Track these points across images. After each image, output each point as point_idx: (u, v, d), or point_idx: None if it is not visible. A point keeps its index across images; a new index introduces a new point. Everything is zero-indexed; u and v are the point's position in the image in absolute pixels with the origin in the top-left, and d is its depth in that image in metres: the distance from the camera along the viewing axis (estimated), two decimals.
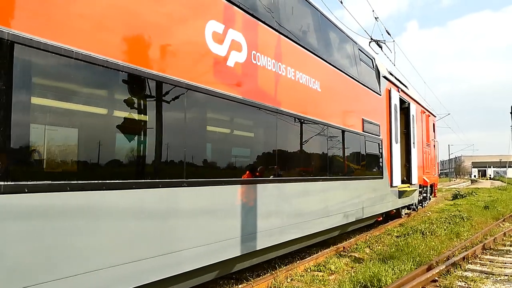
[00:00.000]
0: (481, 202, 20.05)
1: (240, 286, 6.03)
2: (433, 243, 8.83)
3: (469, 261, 7.68)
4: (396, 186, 12.26)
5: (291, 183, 6.80)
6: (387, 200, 11.67)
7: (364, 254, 8.51)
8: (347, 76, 9.34)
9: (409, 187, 13.48)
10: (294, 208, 6.81)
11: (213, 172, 5.19)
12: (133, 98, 4.07)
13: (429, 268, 6.74)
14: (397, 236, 10.55)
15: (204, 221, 4.82)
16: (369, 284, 5.96)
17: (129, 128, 4.05)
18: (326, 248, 8.70)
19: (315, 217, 7.47)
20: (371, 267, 6.70)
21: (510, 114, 33.81)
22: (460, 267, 7.17)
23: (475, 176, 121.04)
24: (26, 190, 3.02)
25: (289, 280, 6.51)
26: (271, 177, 6.28)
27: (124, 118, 3.97)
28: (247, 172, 5.76)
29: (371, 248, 9.20)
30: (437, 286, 6.20)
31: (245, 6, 5.77)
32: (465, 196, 24.59)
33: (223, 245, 5.06)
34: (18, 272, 2.98)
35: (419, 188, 15.56)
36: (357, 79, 9.89)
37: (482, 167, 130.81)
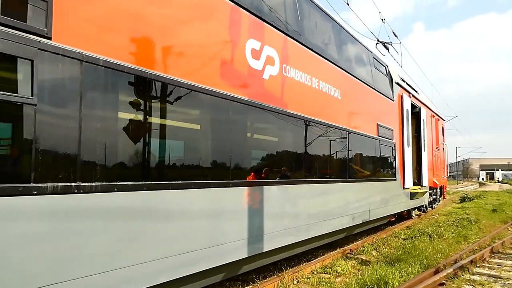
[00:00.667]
0: (489, 205, 19.88)
1: (246, 287, 6.03)
2: (441, 246, 8.78)
3: (477, 265, 7.62)
4: (408, 188, 12.67)
5: (319, 184, 7.50)
6: (400, 201, 12.15)
7: (371, 257, 8.48)
8: (364, 84, 9.91)
9: (420, 189, 13.87)
10: (323, 206, 7.56)
11: (250, 174, 5.70)
12: (194, 113, 4.92)
13: (437, 271, 6.69)
14: (404, 239, 10.50)
15: (243, 217, 5.38)
16: (376, 287, 5.94)
17: (190, 137, 4.89)
18: (332, 250, 8.69)
19: (337, 216, 8.12)
20: (378, 269, 6.68)
21: None
22: (468, 270, 7.11)
23: (483, 179, 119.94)
24: (116, 190, 3.67)
25: (295, 282, 6.50)
26: (302, 179, 6.94)
27: (189, 129, 4.84)
28: (279, 174, 6.45)
29: (378, 250, 9.16)
30: None
31: (277, 24, 6.41)
32: (473, 199, 24.36)
33: (257, 239, 5.64)
34: (119, 254, 3.68)
35: (429, 190, 15.92)
36: (372, 86, 10.44)
37: (490, 170, 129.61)
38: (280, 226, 6.19)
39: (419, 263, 7.24)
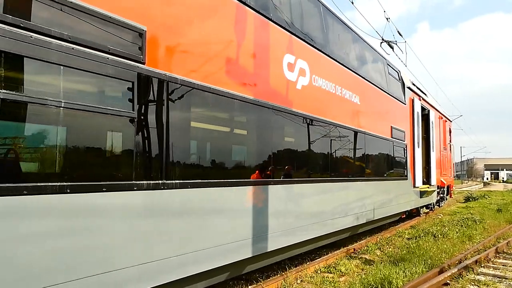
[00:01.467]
0: (494, 205, 19.79)
1: (250, 287, 6.03)
2: (445, 246, 8.74)
3: (482, 265, 7.58)
4: (418, 187, 13.37)
5: (342, 183, 8.34)
6: (411, 199, 12.87)
7: (375, 256, 8.45)
8: (379, 89, 10.64)
9: (428, 188, 14.56)
10: (346, 202, 8.38)
11: (285, 174, 6.42)
12: (243, 120, 5.67)
13: (441, 271, 6.67)
14: (408, 238, 10.46)
15: (285, 209, 6.22)
16: (379, 287, 5.92)
17: (239, 141, 5.77)
18: (336, 250, 8.67)
19: (360, 210, 9.00)
20: (382, 269, 6.66)
21: None
22: (473, 270, 7.08)
23: (487, 178, 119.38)
24: (189, 186, 4.41)
25: (299, 282, 6.50)
26: (330, 178, 7.81)
27: (240, 134, 5.70)
28: (310, 173, 7.24)
29: (382, 250, 9.13)
30: None
31: (307, 39, 7.13)
32: (477, 199, 24.25)
33: (293, 231, 6.42)
34: (191, 241, 4.37)
35: (437, 188, 16.58)
36: (386, 91, 11.15)
37: (494, 170, 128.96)
38: (316, 218, 7.13)
39: (423, 263, 7.22)
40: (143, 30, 3.98)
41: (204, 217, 4.63)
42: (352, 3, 10.44)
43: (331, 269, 7.29)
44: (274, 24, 6.19)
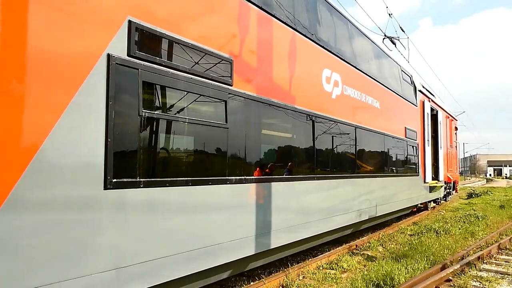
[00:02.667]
0: (497, 201, 19.74)
1: (252, 283, 6.05)
2: (447, 242, 8.74)
3: (484, 261, 7.57)
4: (428, 182, 14.53)
5: (367, 178, 9.39)
6: (422, 194, 14.04)
7: (377, 253, 8.46)
8: (395, 94, 11.66)
9: (437, 183, 15.76)
10: (371, 196, 9.50)
11: (325, 170, 7.61)
12: (289, 125, 6.49)
13: (443, 268, 6.67)
14: (410, 235, 10.46)
15: (322, 201, 7.30)
16: (381, 283, 5.93)
17: (294, 144, 6.76)
18: (338, 246, 8.67)
19: (380, 203, 10.05)
20: (384, 265, 6.66)
21: None
22: (475, 266, 7.07)
23: (490, 175, 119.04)
24: (260, 182, 5.53)
25: (301, 278, 6.51)
26: (357, 174, 8.87)
27: (288, 137, 6.61)
28: (348, 169, 8.45)
29: (384, 246, 9.14)
30: (451, 285, 6.13)
31: (340, 54, 8.12)
32: (480, 195, 24.20)
33: (333, 219, 7.63)
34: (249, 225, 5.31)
35: (444, 184, 17.81)
36: (401, 95, 12.19)
37: (497, 166, 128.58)
38: (346, 208, 8.19)
39: (425, 259, 7.21)
40: (231, 59, 5.08)
41: (273, 202, 5.81)
42: None
43: (333, 265, 7.30)
44: (316, 45, 7.25)
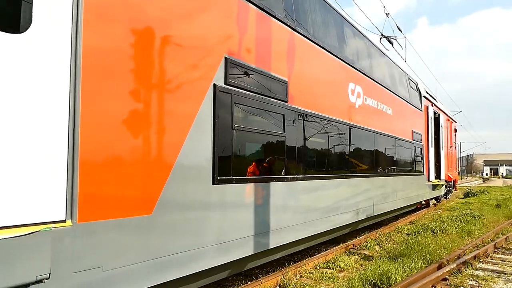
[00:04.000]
0: (493, 201, 19.82)
1: (249, 283, 6.05)
2: (444, 242, 8.76)
3: (481, 260, 7.61)
4: (431, 181, 15.77)
5: (382, 177, 10.61)
6: (426, 191, 15.29)
7: (374, 252, 8.48)
8: (404, 101, 12.78)
9: (439, 182, 16.96)
10: (385, 192, 10.73)
11: (353, 170, 8.89)
12: (324, 132, 7.54)
13: (440, 267, 6.69)
14: (407, 234, 10.49)
15: (356, 193, 8.83)
16: (378, 282, 5.95)
17: (330, 148, 7.87)
18: (335, 246, 8.69)
19: (395, 199, 11.47)
20: (381, 264, 6.69)
21: None
22: (471, 265, 7.10)
23: (487, 174, 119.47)
24: (306, 179, 6.75)
25: (298, 277, 6.51)
26: (375, 173, 10.10)
27: (321, 142, 7.55)
28: (371, 169, 9.88)
29: (381, 245, 9.16)
30: (448, 284, 6.16)
31: (361, 68, 9.31)
32: (476, 195, 24.27)
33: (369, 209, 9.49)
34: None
35: (445, 182, 19.00)
36: (409, 101, 13.34)
37: (494, 165, 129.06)
38: (379, 201, 10.10)
39: (422, 258, 7.24)
40: (287, 81, 6.23)
41: (316, 195, 7.09)
42: None
43: (330, 264, 7.31)
44: (344, 63, 8.40)
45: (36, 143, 2.84)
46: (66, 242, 3.06)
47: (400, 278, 6.02)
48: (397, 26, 14.44)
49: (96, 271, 3.26)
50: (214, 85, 4.69)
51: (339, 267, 7.15)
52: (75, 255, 3.13)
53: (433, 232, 10.20)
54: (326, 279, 6.39)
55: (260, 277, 6.24)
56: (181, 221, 4.16)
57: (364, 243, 9.20)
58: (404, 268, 6.62)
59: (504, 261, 7.62)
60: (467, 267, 7.00)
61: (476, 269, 7.01)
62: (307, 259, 7.46)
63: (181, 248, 4.13)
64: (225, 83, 4.89)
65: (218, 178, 4.70)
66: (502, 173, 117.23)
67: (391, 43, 14.15)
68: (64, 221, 3.04)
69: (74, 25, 3.10)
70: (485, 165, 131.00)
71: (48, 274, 2.86)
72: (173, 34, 4.14)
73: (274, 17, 6.00)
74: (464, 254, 7.61)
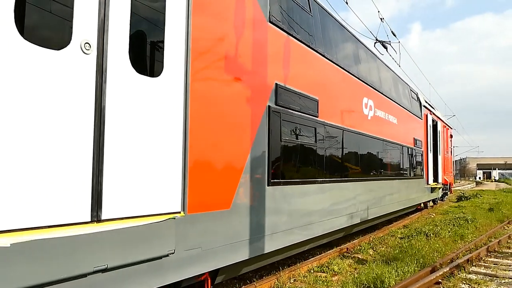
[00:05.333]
0: (486, 204, 19.94)
1: (243, 287, 6.03)
2: (437, 245, 8.80)
3: (473, 264, 7.65)
4: (430, 184, 17.09)
5: (389, 181, 11.74)
6: (425, 194, 16.62)
7: (368, 256, 8.50)
8: (407, 111, 13.94)
9: (436, 185, 18.33)
10: (392, 193, 11.90)
11: (367, 174, 10.02)
12: (340, 140, 8.36)
13: (433, 270, 6.72)
14: (400, 238, 10.53)
15: (372, 195, 10.19)
16: (372, 286, 5.96)
17: (348, 155, 8.80)
18: (329, 249, 8.69)
19: (400, 200, 12.69)
20: (375, 268, 6.70)
21: None
22: (464, 269, 7.14)
23: (480, 178, 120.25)
24: (333, 182, 7.89)
25: (292, 281, 6.51)
26: (384, 177, 11.28)
27: (346, 151, 8.68)
28: (380, 172, 10.96)
29: (374, 249, 9.18)
30: None
31: (372, 83, 10.39)
32: (469, 198, 24.39)
33: (386, 208, 11.19)
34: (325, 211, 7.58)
35: (442, 185, 20.23)
36: (410, 111, 14.48)
37: (487, 169, 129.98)
38: (390, 201, 11.60)
39: (415, 262, 7.27)
40: (317, 100, 7.21)
41: (340, 195, 8.20)
42: (347, 3, 10.47)
43: (324, 268, 7.32)
44: (359, 80, 9.51)
45: (167, 158, 3.95)
46: (181, 228, 4.07)
47: (393, 282, 6.03)
48: (392, 31, 14.53)
49: (197, 250, 4.30)
50: (269, 106, 5.78)
51: (333, 270, 7.16)
52: (186, 237, 4.14)
53: (427, 235, 10.24)
54: (320, 283, 6.39)
55: (254, 281, 6.22)
56: (246, 215, 5.19)
57: (358, 247, 9.22)
58: (398, 272, 6.64)
59: (496, 264, 7.67)
60: (460, 270, 7.04)
61: (469, 273, 7.04)
62: (301, 262, 7.46)
63: (246, 235, 5.17)
64: (276, 104, 5.95)
65: (271, 181, 5.76)
66: (495, 177, 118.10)
67: (386, 47, 14.24)
68: (179, 212, 4.09)
69: (186, 71, 4.21)
70: (478, 169, 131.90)
71: (173, 250, 3.92)
72: (250, 70, 5.41)
73: (309, 46, 7.12)
74: (457, 258, 7.65)
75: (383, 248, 9.21)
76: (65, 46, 3.10)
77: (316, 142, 7.15)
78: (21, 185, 2.79)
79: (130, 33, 3.59)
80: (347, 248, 8.92)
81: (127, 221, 3.49)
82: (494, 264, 7.71)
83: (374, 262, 7.57)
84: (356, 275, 6.64)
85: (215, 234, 4.59)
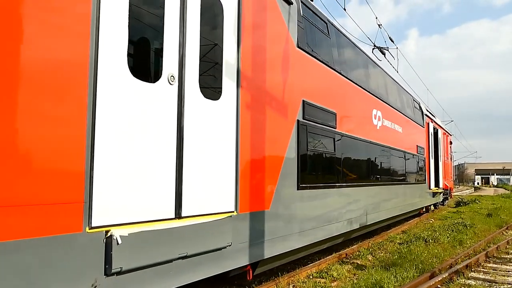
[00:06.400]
0: (484, 210, 19.95)
1: None
2: (436, 251, 8.80)
3: (472, 269, 7.65)
4: (431, 189, 18.02)
5: (396, 185, 12.62)
6: (428, 198, 17.56)
7: (367, 261, 8.49)
8: (410, 120, 14.80)
9: (437, 189, 19.13)
10: (399, 197, 12.90)
11: (379, 179, 11.05)
12: (354, 148, 9.23)
13: (432, 276, 6.72)
14: (399, 243, 10.52)
15: (383, 198, 11.26)
16: None
17: (360, 162, 9.72)
18: (328, 255, 8.68)
19: (406, 204, 13.72)
20: (374, 274, 6.70)
21: None
22: (463, 275, 7.14)
23: (478, 183, 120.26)
24: (349, 186, 8.78)
25: (291, 287, 6.50)
26: (391, 181, 12.07)
27: (359, 158, 9.65)
28: (383, 177, 11.50)
29: (373, 255, 9.17)
30: None
31: (380, 96, 11.25)
32: (468, 204, 24.39)
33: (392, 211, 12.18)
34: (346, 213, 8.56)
35: (443, 190, 21.03)
36: (413, 120, 15.31)
37: (485, 175, 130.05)
38: (399, 204, 12.68)
39: (414, 267, 7.27)
40: (335, 113, 8.02)
41: (355, 198, 9.04)
42: (345, 9, 10.54)
43: (323, 274, 7.31)
44: (369, 94, 10.34)
45: (225, 167, 4.79)
46: (234, 224, 4.87)
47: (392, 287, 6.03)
48: (389, 37, 14.62)
49: (245, 244, 5.09)
50: (298, 120, 6.62)
51: (332, 276, 7.15)
52: (238, 233, 4.94)
53: (425, 241, 10.24)
54: None
55: (253, 287, 6.21)
56: (281, 215, 5.99)
57: (357, 252, 9.21)
58: (397, 278, 6.64)
59: (495, 270, 7.67)
60: (459, 276, 7.04)
61: (468, 278, 7.04)
62: (300, 268, 7.45)
63: (281, 233, 5.96)
64: (303, 118, 6.78)
65: (300, 185, 6.56)
66: (493, 182, 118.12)
67: (384, 53, 14.32)
68: (233, 212, 4.90)
69: (237, 94, 5.06)
70: (476, 174, 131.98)
71: (231, 243, 4.74)
72: (284, 90, 6.30)
73: (327, 65, 7.91)
74: (456, 263, 7.65)
75: (382, 254, 9.20)
76: (158, 79, 3.98)
77: (335, 150, 7.98)
78: (132, 191, 3.63)
79: (199, 67, 4.48)
80: (346, 254, 8.91)
81: (199, 218, 4.33)
82: (493, 270, 7.71)
83: (373, 267, 7.56)
84: (355, 281, 6.63)
85: (258, 230, 5.41)
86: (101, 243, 3.32)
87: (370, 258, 8.83)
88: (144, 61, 4.00)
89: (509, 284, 6.69)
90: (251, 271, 5.52)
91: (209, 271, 4.45)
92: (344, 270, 7.61)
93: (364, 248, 9.68)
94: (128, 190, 3.57)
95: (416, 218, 16.42)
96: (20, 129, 2.85)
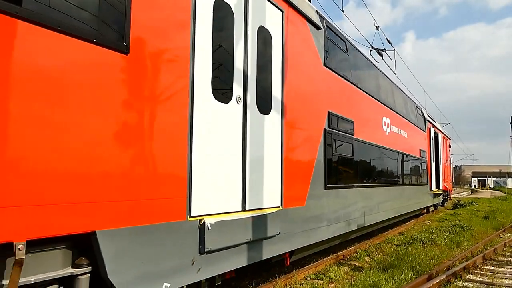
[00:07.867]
0: (481, 212, 19.99)
1: None
2: (433, 253, 8.80)
3: (470, 271, 7.64)
4: (432, 190, 19.01)
5: (401, 187, 13.57)
6: (429, 199, 18.67)
7: (364, 263, 8.47)
8: (414, 125, 15.78)
9: (438, 191, 20.21)
10: (404, 197, 13.93)
11: (389, 180, 12.32)
12: (366, 153, 10.09)
13: (429, 278, 6.70)
14: (397, 245, 10.51)
15: (391, 198, 12.30)
16: None
17: (372, 165, 10.63)
18: (326, 256, 8.66)
19: (410, 203, 14.82)
20: (371, 275, 6.68)
21: (511, 125, 33.88)
22: (461, 277, 7.13)
23: (475, 185, 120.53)
24: (368, 187, 10.20)
25: None
26: (399, 183, 13.25)
27: (371, 162, 10.58)
28: (395, 179, 12.84)
29: (371, 256, 9.16)
30: None
31: (389, 105, 12.25)
32: (465, 206, 24.43)
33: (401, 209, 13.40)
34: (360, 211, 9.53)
35: (442, 192, 22.06)
36: (416, 125, 16.25)
37: (482, 177, 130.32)
38: (392, 206, 12.62)
39: (412, 269, 7.25)
40: (353, 121, 8.95)
41: (372, 197, 10.28)
42: (342, 11, 10.55)
43: (321, 275, 7.28)
44: (380, 103, 11.37)
45: (274, 169, 5.77)
46: (281, 217, 5.78)
47: None
48: (387, 39, 14.65)
49: (288, 234, 5.98)
50: (325, 129, 7.50)
51: (330, 278, 7.12)
52: (283, 224, 5.82)
53: (423, 243, 10.24)
54: None
55: None
56: (313, 210, 6.86)
57: (354, 254, 9.19)
58: (394, 279, 6.62)
59: (493, 272, 7.65)
60: (457, 278, 7.02)
61: (466, 281, 7.03)
62: (297, 270, 7.42)
63: (312, 226, 6.85)
64: (328, 127, 7.65)
65: (327, 185, 7.47)
66: (489, 185, 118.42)
67: (381, 55, 14.33)
68: (279, 207, 5.82)
69: (282, 108, 6.04)
70: (473, 177, 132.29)
71: (279, 232, 5.69)
72: (315, 103, 7.23)
73: (346, 79, 8.78)
74: (454, 265, 7.64)
75: (379, 255, 9.18)
76: (230, 100, 4.89)
77: (353, 155, 8.93)
78: (215, 188, 4.55)
79: (257, 90, 5.41)
80: (344, 255, 8.88)
81: (257, 211, 5.27)
82: (491, 272, 7.70)
83: (370, 269, 7.54)
84: (352, 283, 6.61)
85: (296, 223, 6.29)
86: (196, 229, 4.24)
87: (367, 260, 8.81)
88: (221, 87, 4.83)
89: (507, 286, 6.68)
90: (288, 258, 6.37)
91: (265, 254, 5.41)
92: (342, 271, 7.59)
93: (362, 250, 9.66)
94: (212, 188, 4.50)
95: (413, 220, 16.47)
96: (159, 145, 3.85)
